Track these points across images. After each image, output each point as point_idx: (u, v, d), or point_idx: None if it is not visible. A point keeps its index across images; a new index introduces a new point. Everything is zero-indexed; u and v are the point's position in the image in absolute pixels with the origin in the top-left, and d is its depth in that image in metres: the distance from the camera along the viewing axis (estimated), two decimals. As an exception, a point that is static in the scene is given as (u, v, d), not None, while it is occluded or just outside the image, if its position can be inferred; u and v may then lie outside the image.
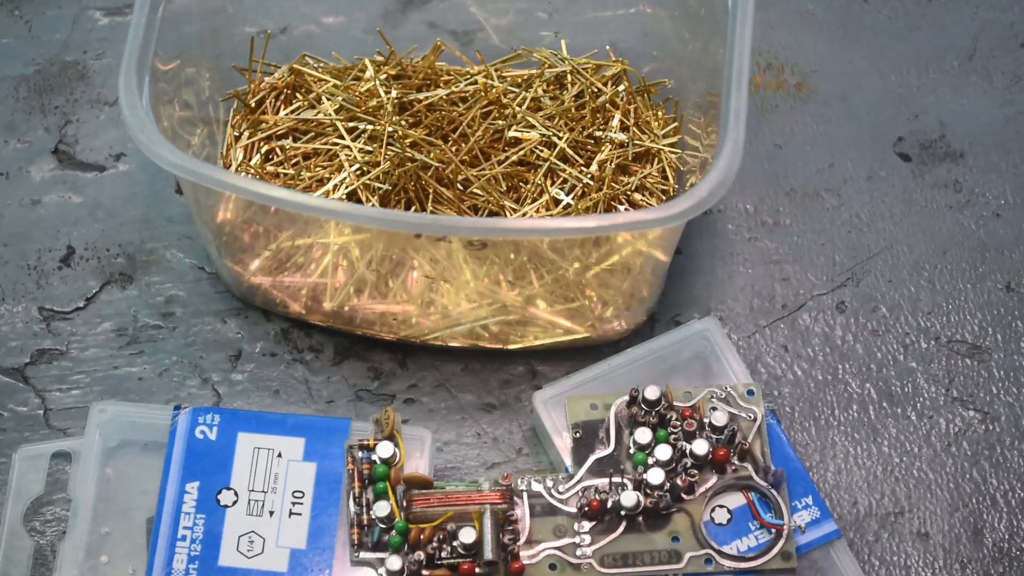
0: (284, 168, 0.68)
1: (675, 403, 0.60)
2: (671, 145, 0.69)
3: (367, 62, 0.71)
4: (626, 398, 0.61)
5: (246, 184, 0.57)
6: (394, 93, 0.69)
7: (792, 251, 0.70)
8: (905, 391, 0.66)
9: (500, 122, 0.68)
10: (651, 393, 0.60)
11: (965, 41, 0.77)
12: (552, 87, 0.71)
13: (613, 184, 0.67)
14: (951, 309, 0.68)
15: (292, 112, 0.70)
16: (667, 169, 0.69)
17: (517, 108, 0.68)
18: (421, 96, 0.69)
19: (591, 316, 0.64)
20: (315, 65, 0.72)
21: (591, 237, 0.59)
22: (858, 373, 0.66)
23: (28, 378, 0.66)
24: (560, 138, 0.68)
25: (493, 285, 0.62)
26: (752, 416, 0.60)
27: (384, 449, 0.59)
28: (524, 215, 0.66)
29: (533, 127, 0.68)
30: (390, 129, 0.66)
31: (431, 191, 0.66)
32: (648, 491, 0.58)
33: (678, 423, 0.60)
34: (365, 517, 0.58)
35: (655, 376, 0.63)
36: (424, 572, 0.57)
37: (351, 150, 0.67)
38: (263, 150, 0.69)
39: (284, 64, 0.71)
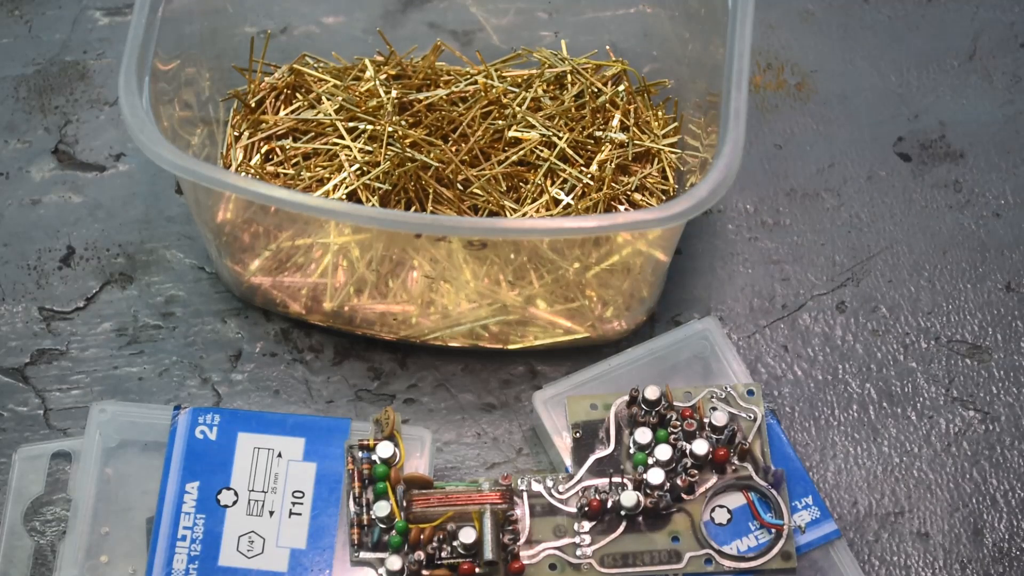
0: (284, 168, 0.68)
1: (675, 403, 0.60)
2: (671, 145, 0.69)
3: (367, 62, 0.71)
4: (626, 398, 0.61)
5: (246, 184, 0.57)
6: (394, 93, 0.69)
7: (792, 251, 0.70)
8: (905, 391, 0.66)
9: (500, 122, 0.68)
10: (651, 393, 0.60)
11: (965, 41, 0.77)
12: (552, 87, 0.71)
13: (613, 184, 0.67)
14: (951, 309, 0.68)
15: (292, 112, 0.70)
16: (667, 169, 0.69)
17: (517, 108, 0.68)
18: (421, 96, 0.69)
19: (591, 316, 0.64)
20: (315, 65, 0.72)
21: (591, 237, 0.59)
22: (858, 373, 0.67)
23: (28, 378, 0.66)
24: (560, 138, 0.68)
25: (493, 285, 0.62)
26: (752, 416, 0.61)
27: (384, 449, 0.59)
28: (524, 215, 0.66)
29: (533, 127, 0.68)
30: (390, 129, 0.66)
31: (431, 191, 0.66)
32: (648, 491, 0.58)
33: (678, 423, 0.60)
34: (365, 517, 0.58)
35: (655, 376, 0.63)
36: (424, 572, 0.57)
37: (351, 150, 0.67)
38: (263, 150, 0.69)
39: (284, 64, 0.71)
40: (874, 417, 0.65)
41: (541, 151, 0.68)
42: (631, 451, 0.60)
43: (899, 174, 0.72)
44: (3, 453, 0.64)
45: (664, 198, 0.68)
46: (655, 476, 0.58)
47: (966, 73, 0.76)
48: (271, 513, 0.59)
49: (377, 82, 0.69)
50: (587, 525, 0.59)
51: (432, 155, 0.66)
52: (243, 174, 0.68)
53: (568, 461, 0.60)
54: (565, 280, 0.62)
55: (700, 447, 0.59)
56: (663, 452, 0.59)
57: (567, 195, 0.67)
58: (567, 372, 0.64)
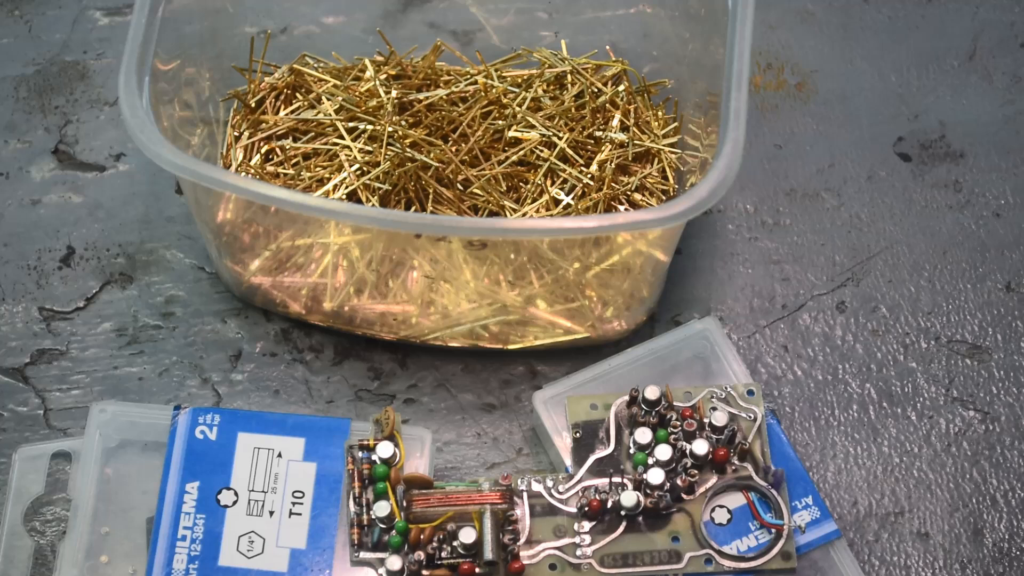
0: (284, 168, 0.68)
1: (675, 403, 0.60)
2: (671, 145, 0.69)
3: (367, 62, 0.71)
4: (626, 398, 0.61)
5: (246, 184, 0.57)
6: (394, 93, 0.69)
7: (792, 251, 0.70)
8: (905, 391, 0.66)
9: (500, 122, 0.68)
10: (651, 393, 0.60)
11: (965, 41, 0.77)
12: (552, 87, 0.71)
13: (613, 184, 0.67)
14: (951, 309, 0.68)
15: (292, 112, 0.70)
16: (667, 169, 0.69)
17: (517, 108, 0.68)
18: (421, 96, 0.69)
19: (591, 316, 0.64)
20: (315, 65, 0.72)
21: (591, 237, 0.59)
22: (858, 373, 0.67)
23: (28, 378, 0.66)
24: (560, 138, 0.68)
25: (493, 285, 0.62)
26: (752, 416, 0.60)
27: (384, 449, 0.59)
28: (524, 215, 0.66)
29: (533, 127, 0.68)
30: (390, 129, 0.66)
31: (431, 191, 0.66)
32: (648, 491, 0.58)
33: (678, 423, 0.60)
34: (365, 517, 0.58)
35: (655, 376, 0.63)
36: (424, 572, 0.57)
37: (351, 150, 0.67)
38: (263, 150, 0.69)
39: (284, 64, 0.71)
40: (874, 417, 0.65)
41: (541, 151, 0.68)
42: (631, 451, 0.60)
43: (899, 174, 0.72)
44: (3, 453, 0.64)
45: (664, 198, 0.68)
46: (655, 476, 0.58)
47: (966, 73, 0.76)
48: (271, 513, 0.59)
49: (377, 82, 0.69)
50: (587, 525, 0.59)
51: (432, 155, 0.66)
52: (243, 174, 0.68)
53: (568, 461, 0.60)
54: (565, 280, 0.62)
55: (700, 447, 0.59)
56: (663, 452, 0.59)
57: (567, 195, 0.67)
58: (567, 372, 0.64)
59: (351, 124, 0.68)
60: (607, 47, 0.73)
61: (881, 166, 0.73)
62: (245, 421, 0.61)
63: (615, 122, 0.70)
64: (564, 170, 0.67)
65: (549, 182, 0.67)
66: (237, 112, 0.71)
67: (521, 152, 0.67)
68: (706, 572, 0.58)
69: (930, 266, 0.70)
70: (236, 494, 0.59)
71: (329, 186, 0.67)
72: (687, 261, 0.69)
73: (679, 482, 0.59)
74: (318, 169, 0.68)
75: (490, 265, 0.61)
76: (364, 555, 0.58)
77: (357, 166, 0.67)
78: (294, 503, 0.59)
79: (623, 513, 0.58)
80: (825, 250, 0.70)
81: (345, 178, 0.67)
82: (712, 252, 0.70)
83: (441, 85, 0.71)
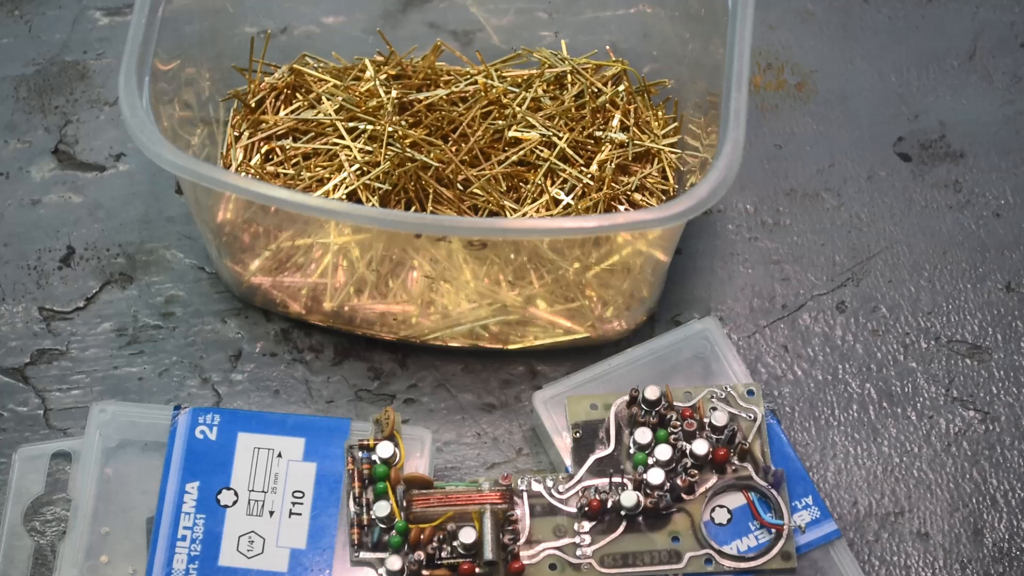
0: (284, 168, 0.68)
1: (675, 403, 0.60)
2: (671, 145, 0.69)
3: (367, 62, 0.71)
4: (626, 398, 0.61)
5: (246, 184, 0.57)
6: (394, 93, 0.69)
7: (792, 251, 0.70)
8: (905, 391, 0.66)
9: (500, 122, 0.68)
10: (651, 393, 0.60)
11: (965, 41, 0.77)
12: (552, 87, 0.71)
13: (613, 184, 0.67)
14: (951, 309, 0.68)
15: (292, 112, 0.70)
16: (667, 169, 0.69)
17: (517, 108, 0.68)
18: (421, 96, 0.69)
19: (591, 316, 0.64)
20: (315, 65, 0.72)
21: (591, 237, 0.59)
22: (858, 373, 0.67)
23: (28, 378, 0.66)
24: (560, 138, 0.68)
25: (493, 285, 0.62)
26: (752, 416, 0.61)
27: (384, 449, 0.59)
28: (524, 215, 0.66)
29: (533, 127, 0.68)
30: (390, 129, 0.66)
31: (431, 191, 0.66)
32: (648, 491, 0.58)
33: (678, 423, 0.60)
34: (365, 517, 0.58)
35: (655, 376, 0.63)
36: (424, 572, 0.57)
37: (351, 150, 0.67)
38: (263, 150, 0.69)
39: (284, 64, 0.72)
40: (874, 417, 0.65)
41: (541, 151, 0.68)
42: (631, 451, 0.60)
43: (899, 174, 0.72)
44: (3, 453, 0.64)
45: (664, 198, 0.68)
46: (655, 476, 0.58)
47: (966, 73, 0.76)
48: (271, 513, 0.59)
49: (377, 82, 0.69)
50: (587, 525, 0.59)
51: (432, 155, 0.66)
52: (243, 174, 0.68)
53: (568, 461, 0.60)
54: (565, 280, 0.62)
55: (700, 447, 0.59)
56: (663, 452, 0.59)
57: (567, 195, 0.67)
58: (567, 372, 0.64)
59: (351, 124, 0.68)
60: (607, 47, 0.73)
61: (881, 166, 0.73)
62: (245, 421, 0.61)
63: (615, 122, 0.70)
64: (564, 170, 0.67)
65: (549, 182, 0.67)
66: (237, 112, 0.71)
67: (521, 152, 0.67)
68: (706, 572, 0.58)
69: (930, 266, 0.70)
70: (236, 494, 0.59)
71: (329, 186, 0.67)
72: (687, 261, 0.69)
73: (679, 482, 0.59)
74: (318, 169, 0.68)
75: (490, 265, 0.61)
76: (364, 555, 0.58)
77: (357, 166, 0.67)
78: (294, 503, 0.59)
79: (623, 513, 0.58)
80: (825, 250, 0.70)
81: (345, 178, 0.67)
82: (712, 252, 0.70)
83: (441, 85, 0.71)
